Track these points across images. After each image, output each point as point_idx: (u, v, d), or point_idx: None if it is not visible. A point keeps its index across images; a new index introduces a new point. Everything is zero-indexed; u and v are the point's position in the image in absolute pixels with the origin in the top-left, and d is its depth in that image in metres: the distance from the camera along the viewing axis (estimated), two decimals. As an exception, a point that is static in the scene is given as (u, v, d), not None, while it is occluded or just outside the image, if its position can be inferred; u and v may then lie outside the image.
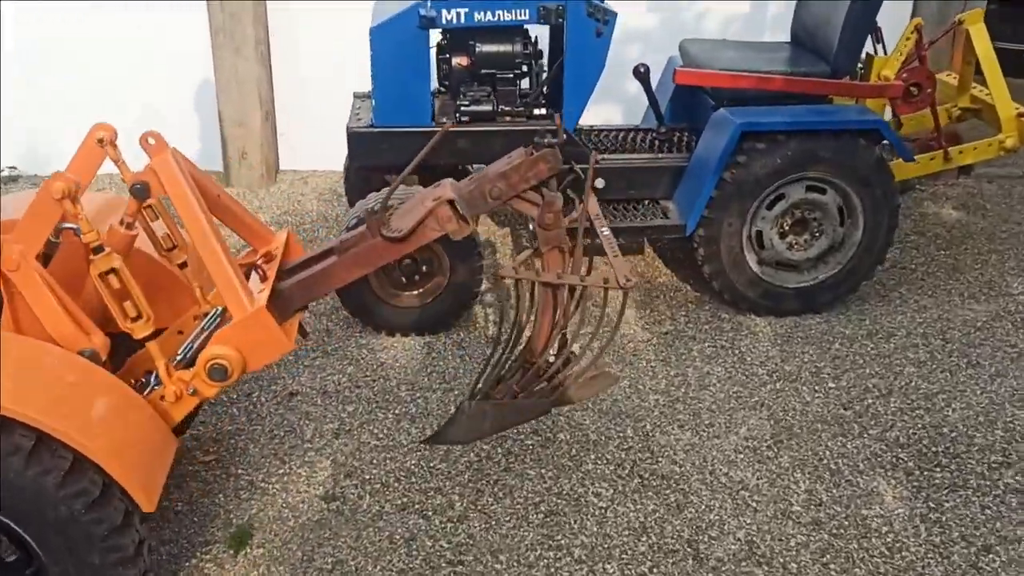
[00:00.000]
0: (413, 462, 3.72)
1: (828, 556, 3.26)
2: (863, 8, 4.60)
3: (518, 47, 4.53)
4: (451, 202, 2.81)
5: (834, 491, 3.56)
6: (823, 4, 4.84)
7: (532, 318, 3.16)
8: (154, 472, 2.62)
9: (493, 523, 3.42)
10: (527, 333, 3.22)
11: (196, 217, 2.63)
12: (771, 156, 4.43)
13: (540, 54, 4.72)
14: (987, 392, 4.15)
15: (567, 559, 3.26)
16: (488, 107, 4.53)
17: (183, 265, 3.05)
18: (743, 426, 3.94)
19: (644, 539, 3.35)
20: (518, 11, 4.40)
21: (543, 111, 4.65)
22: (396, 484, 3.61)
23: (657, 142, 5.03)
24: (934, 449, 3.79)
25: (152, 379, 2.92)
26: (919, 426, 3.93)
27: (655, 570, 3.21)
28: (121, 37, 6.04)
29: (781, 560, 3.24)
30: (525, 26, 4.53)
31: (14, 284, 2.60)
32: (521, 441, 3.82)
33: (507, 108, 4.57)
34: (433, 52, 4.61)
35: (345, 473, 3.67)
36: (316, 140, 6.17)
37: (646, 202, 4.80)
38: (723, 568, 3.22)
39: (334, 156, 5.58)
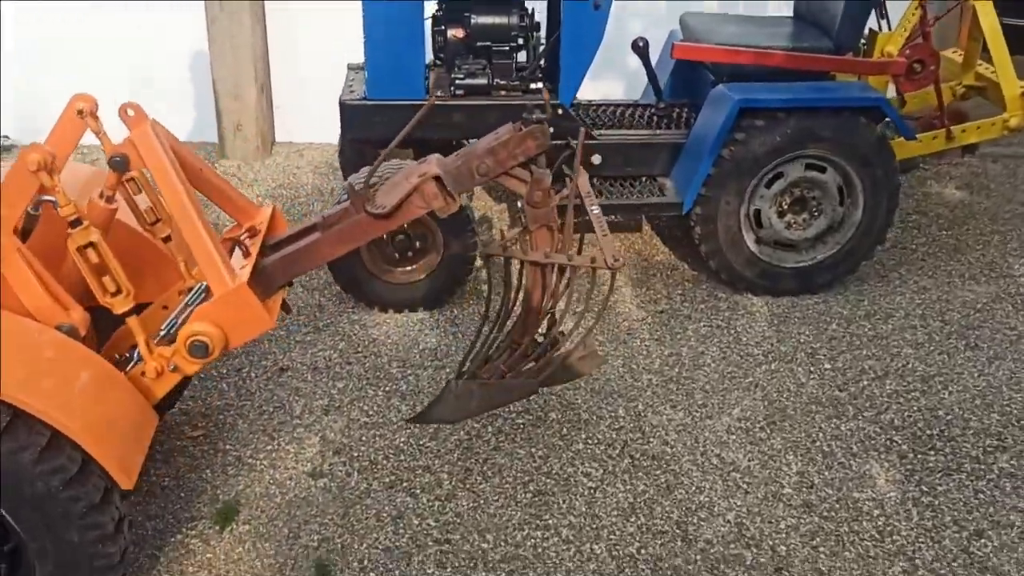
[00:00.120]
0: (402, 440, 3.69)
1: (818, 539, 3.23)
2: (867, -17, 4.52)
3: (514, 19, 4.45)
4: (437, 178, 2.75)
5: (826, 473, 3.53)
6: (827, -22, 4.75)
7: (520, 297, 3.11)
8: (133, 449, 2.59)
9: (481, 502, 3.39)
10: (516, 312, 3.17)
11: (176, 190, 2.58)
12: (770, 133, 4.36)
13: (537, 26, 4.64)
14: (984, 375, 4.10)
15: (555, 539, 3.24)
16: (483, 81, 4.46)
17: (167, 239, 3.00)
18: (736, 407, 3.90)
19: (633, 520, 3.32)
20: (515, -18, 4.33)
21: (540, 85, 4.57)
22: (385, 462, 3.58)
23: (655, 118, 4.96)
24: (929, 432, 3.75)
25: (135, 355, 2.88)
26: (914, 409, 3.89)
27: (643, 551, 3.19)
28: (121, 35, 6.01)
29: (770, 543, 3.21)
30: (522, -3, 4.46)
31: (-9, 257, 2.56)
32: (511, 420, 3.79)
33: (503, 82, 4.50)
34: (428, 24, 4.54)
35: (334, 450, 3.64)
36: (312, 112, 6.10)
37: (643, 179, 4.73)
38: (711, 550, 3.19)
39: (330, 129, 5.52)
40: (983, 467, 3.56)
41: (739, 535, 3.25)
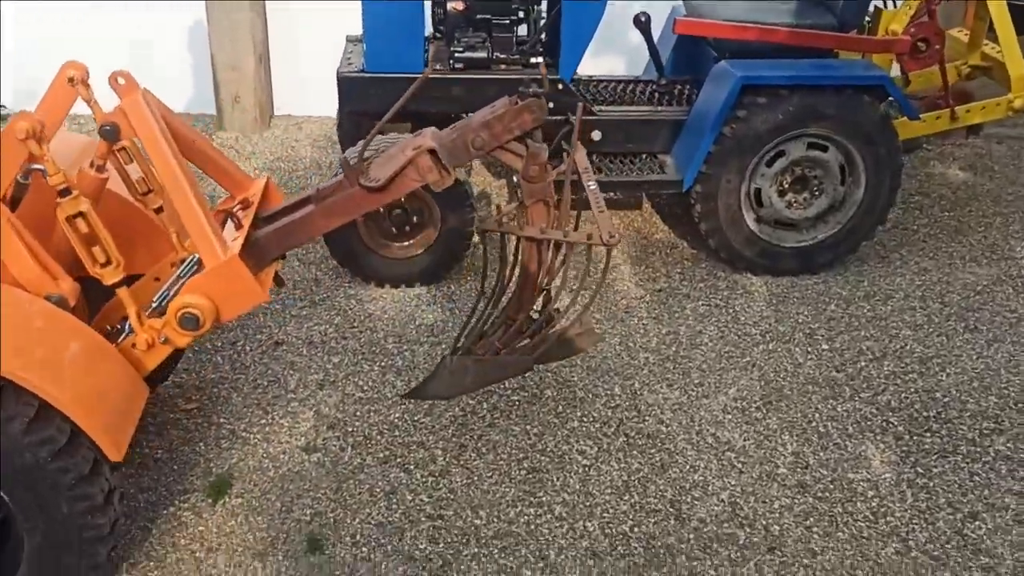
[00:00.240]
0: (397, 415, 3.68)
1: (811, 519, 3.22)
2: (873, -41, 4.46)
3: (515, -8, 4.39)
4: (432, 151, 2.72)
5: (821, 454, 3.52)
6: (833, -46, 4.68)
7: (516, 273, 3.09)
8: (123, 421, 2.57)
9: (475, 478, 3.38)
10: (511, 288, 3.15)
11: (167, 160, 2.55)
12: (772, 111, 4.31)
13: (538, 0, 4.58)
14: (983, 357, 4.08)
15: (548, 516, 3.23)
16: (483, 54, 4.41)
17: (159, 210, 2.97)
18: (733, 386, 3.89)
19: (627, 498, 3.31)
20: (516, -47, 4.27)
21: (539, 59, 4.52)
22: (379, 437, 3.57)
23: (657, 94, 4.91)
24: (925, 414, 3.73)
25: (126, 327, 2.86)
26: (911, 390, 3.87)
27: (636, 529, 3.18)
28: (119, 3, 5.95)
29: (764, 522, 3.21)
30: (523, -31, 4.40)
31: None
32: (507, 397, 3.77)
33: (502, 56, 4.45)
34: (428, -4, 4.49)
35: (328, 425, 3.63)
36: (311, 85, 6.04)
37: (643, 156, 4.69)
38: (704, 529, 3.18)
39: (329, 101, 5.47)
40: (979, 449, 3.54)
41: (733, 514, 3.24)
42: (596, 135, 4.54)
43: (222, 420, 3.64)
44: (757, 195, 4.52)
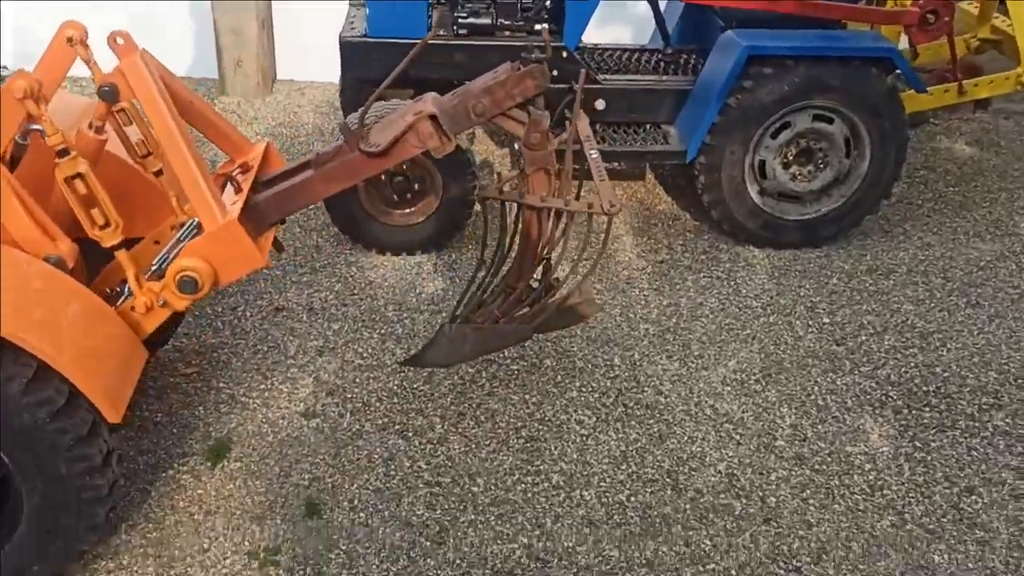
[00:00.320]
0: (396, 383, 3.68)
1: (808, 491, 3.23)
2: (884, -72, 4.39)
3: (520, -43, 4.34)
4: (433, 117, 2.69)
5: (819, 427, 3.52)
6: (843, -78, 4.61)
7: (516, 242, 3.07)
8: (121, 383, 2.58)
9: (473, 446, 3.39)
10: (511, 257, 3.13)
11: (165, 121, 2.53)
12: (778, 82, 4.27)
13: (544, -35, 4.53)
14: (984, 333, 4.07)
15: (545, 484, 3.24)
16: (487, 20, 4.37)
17: (159, 173, 2.96)
18: (732, 359, 3.88)
19: (624, 467, 3.32)
20: (521, -83, 4.20)
21: (544, 26, 4.47)
22: (378, 404, 3.58)
23: (662, 64, 4.86)
24: (925, 388, 3.73)
25: (125, 290, 2.86)
26: (912, 365, 3.86)
27: (633, 499, 3.19)
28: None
29: (760, 493, 3.21)
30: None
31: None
32: (506, 366, 3.77)
33: (507, 22, 4.40)
34: (432, -40, 4.44)
35: (327, 391, 3.63)
36: (314, 50, 5.99)
37: (647, 126, 4.65)
38: (701, 499, 3.19)
39: (332, 67, 5.43)
40: (977, 424, 3.54)
41: (729, 485, 3.25)
42: (600, 104, 4.50)
43: (222, 385, 3.65)
44: (761, 167, 4.49)
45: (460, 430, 3.46)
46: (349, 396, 3.61)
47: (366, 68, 4.38)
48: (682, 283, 4.38)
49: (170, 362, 3.75)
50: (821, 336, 4.03)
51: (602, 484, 3.25)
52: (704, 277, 4.44)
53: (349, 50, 4.40)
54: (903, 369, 3.83)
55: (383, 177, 4.31)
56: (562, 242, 2.98)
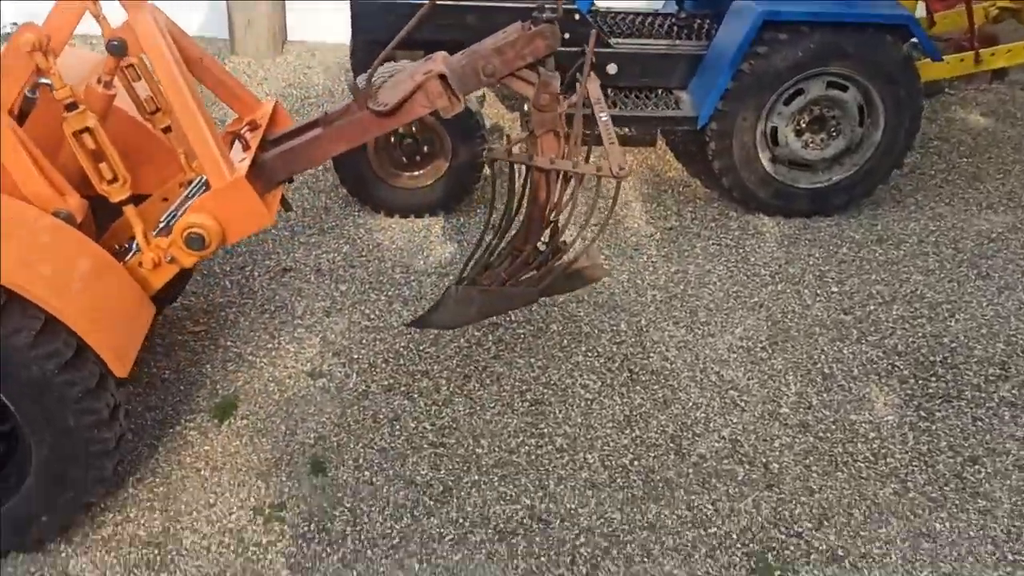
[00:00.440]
0: (402, 344, 3.70)
1: (811, 458, 3.24)
2: None
3: (533, -83, 4.27)
4: (442, 77, 2.67)
5: (825, 395, 3.52)
6: None
7: (524, 204, 3.06)
8: (129, 338, 2.59)
9: (478, 408, 3.41)
10: (519, 220, 3.12)
11: (174, 77, 2.52)
12: (793, 48, 4.23)
13: (557, -74, 4.46)
14: (993, 304, 4.05)
15: (549, 447, 3.26)
16: (499, -19, 4.32)
17: (167, 130, 2.95)
18: (739, 326, 3.88)
19: (628, 432, 3.33)
20: None
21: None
22: (384, 365, 3.59)
23: (675, 28, 4.82)
24: (932, 359, 3.72)
25: (134, 246, 2.86)
26: (919, 335, 3.85)
27: (636, 462, 3.20)
28: None
29: (763, 460, 3.22)
30: None
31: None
32: (512, 330, 3.78)
33: (518, -17, 4.35)
34: (445, -81, 4.37)
35: (333, 351, 3.65)
36: (325, 11, 5.95)
37: (659, 91, 4.62)
38: (704, 464, 3.20)
39: (344, 28, 5.40)
40: (983, 395, 3.54)
41: (733, 451, 3.26)
42: (612, 68, 4.47)
43: (229, 343, 3.67)
44: (773, 134, 4.46)
45: (465, 392, 3.47)
46: (355, 357, 3.62)
47: (378, 30, 4.34)
48: (691, 250, 4.37)
49: (178, 320, 3.77)
50: (829, 305, 4.02)
51: (606, 448, 3.26)
52: (713, 244, 4.42)
53: (360, 11, 4.38)
54: (910, 339, 3.83)
55: (392, 139, 4.30)
56: (570, 205, 2.96)
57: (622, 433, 3.32)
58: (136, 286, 2.65)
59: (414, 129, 4.24)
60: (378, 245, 4.30)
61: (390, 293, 3.99)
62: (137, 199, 2.75)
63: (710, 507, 3.04)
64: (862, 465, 3.21)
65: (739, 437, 3.32)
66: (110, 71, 2.68)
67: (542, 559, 2.84)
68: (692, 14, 4.86)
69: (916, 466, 3.21)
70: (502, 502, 3.04)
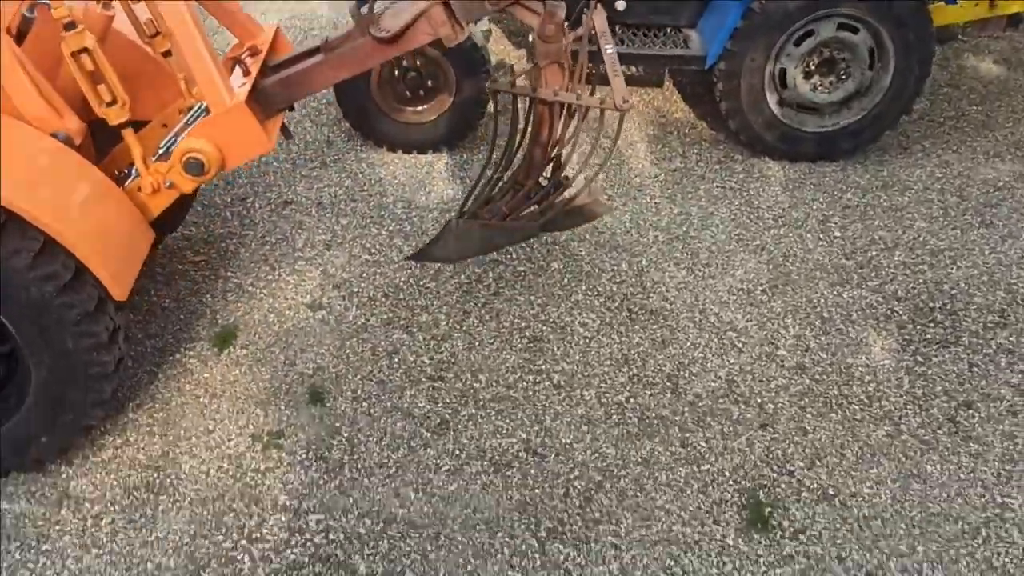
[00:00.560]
0: (402, 279, 3.70)
1: (806, 400, 3.25)
2: None
3: None
4: (446, 4, 2.63)
5: (823, 338, 3.53)
6: None
7: (527, 138, 3.04)
8: (128, 262, 2.60)
9: (476, 344, 3.42)
10: (521, 154, 3.10)
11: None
12: (804, -13, 4.15)
13: None
14: (996, 253, 4.03)
15: (546, 383, 3.28)
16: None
17: (167, 54, 2.92)
18: (740, 269, 3.87)
19: (625, 370, 3.35)
20: None
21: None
22: (383, 299, 3.60)
23: (686, -35, 4.71)
24: (931, 305, 3.72)
25: (133, 171, 2.85)
26: (920, 281, 3.84)
27: (632, 400, 3.23)
28: None
29: (759, 400, 3.24)
30: None
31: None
32: (513, 267, 3.78)
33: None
34: None
35: (333, 284, 3.65)
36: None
37: (668, 30, 4.54)
38: (700, 403, 3.22)
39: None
40: (981, 341, 3.54)
41: (729, 391, 3.28)
42: (620, 5, 4.39)
43: (229, 274, 3.67)
44: (782, 76, 4.40)
45: (464, 328, 3.48)
46: (355, 290, 3.63)
47: (381, -42, 4.26)
48: (694, 192, 4.35)
49: (178, 250, 3.77)
50: (831, 250, 4.01)
51: (602, 385, 3.28)
52: (717, 187, 4.39)
53: (365, -61, 4.28)
54: (911, 285, 3.82)
55: (396, 73, 4.25)
56: (573, 139, 2.94)
57: (619, 371, 3.34)
58: (135, 211, 2.65)
59: (418, 63, 4.19)
60: (380, 180, 4.28)
61: (391, 228, 3.98)
62: (137, 126, 2.73)
63: (703, 444, 3.07)
64: (856, 408, 3.23)
65: (735, 378, 3.33)
66: (109, -8, 2.64)
67: (536, 491, 2.88)
68: (704, -49, 4.76)
69: (910, 409, 3.23)
70: (498, 435, 3.06)
